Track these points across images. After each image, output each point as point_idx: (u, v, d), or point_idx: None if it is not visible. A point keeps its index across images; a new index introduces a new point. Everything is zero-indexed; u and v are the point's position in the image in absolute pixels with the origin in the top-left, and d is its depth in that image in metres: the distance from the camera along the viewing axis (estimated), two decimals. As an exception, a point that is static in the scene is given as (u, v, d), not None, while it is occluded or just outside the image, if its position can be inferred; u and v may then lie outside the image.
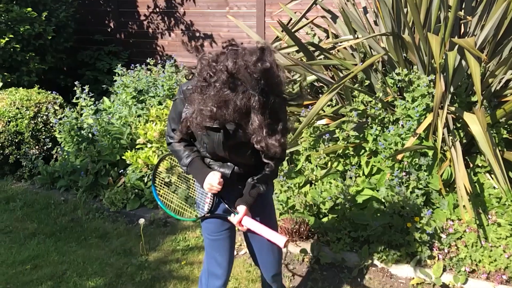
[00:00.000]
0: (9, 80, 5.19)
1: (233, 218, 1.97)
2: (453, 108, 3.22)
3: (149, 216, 3.69)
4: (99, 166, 4.07)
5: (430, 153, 3.16)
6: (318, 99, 3.10)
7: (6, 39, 5.03)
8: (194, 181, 2.12)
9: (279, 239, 1.89)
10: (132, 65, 5.16)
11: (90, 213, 3.87)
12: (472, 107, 3.29)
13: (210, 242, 2.14)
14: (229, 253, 2.15)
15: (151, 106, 4.45)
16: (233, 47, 1.64)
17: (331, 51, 3.78)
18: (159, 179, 2.28)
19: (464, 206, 2.78)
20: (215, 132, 1.81)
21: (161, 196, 2.24)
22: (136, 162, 3.78)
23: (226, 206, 2.01)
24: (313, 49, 3.79)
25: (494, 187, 3.14)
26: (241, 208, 1.96)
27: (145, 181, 3.88)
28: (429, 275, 2.83)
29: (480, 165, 3.25)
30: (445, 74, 3.16)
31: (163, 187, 2.27)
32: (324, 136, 3.38)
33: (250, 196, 1.98)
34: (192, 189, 2.21)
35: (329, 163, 3.46)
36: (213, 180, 1.92)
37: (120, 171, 4.06)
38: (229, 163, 1.97)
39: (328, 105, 3.84)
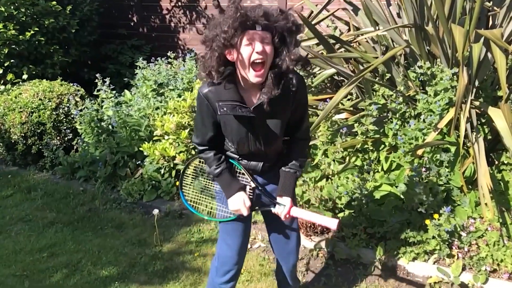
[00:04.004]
0: (34, 72, 5.28)
1: (278, 210, 1.98)
2: (477, 103, 3.10)
3: (165, 207, 3.69)
4: (117, 157, 4.11)
5: (453, 149, 3.05)
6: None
7: (32, 32, 5.12)
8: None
9: (331, 222, 1.91)
10: (153, 58, 5.18)
11: (107, 203, 3.90)
12: (498, 101, 3.16)
13: (222, 226, 2.14)
14: (241, 238, 2.12)
15: (170, 99, 4.45)
16: None
17: (351, 44, 3.70)
18: (192, 186, 2.25)
19: (486, 204, 2.68)
20: (244, 116, 1.84)
21: (191, 201, 2.24)
22: (153, 153, 3.79)
23: (268, 199, 2.03)
24: (334, 41, 3.71)
25: (520, 185, 3.01)
26: (286, 200, 1.98)
27: (162, 172, 3.88)
28: (448, 274, 2.73)
29: (505, 162, 3.12)
30: (469, 67, 3.05)
31: (195, 192, 2.25)
32: (341, 130, 3.31)
33: (290, 185, 2.01)
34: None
35: (347, 158, 3.39)
36: (241, 206, 1.95)
37: (138, 163, 4.08)
38: (256, 159, 2.00)
39: (348, 99, 3.76)
